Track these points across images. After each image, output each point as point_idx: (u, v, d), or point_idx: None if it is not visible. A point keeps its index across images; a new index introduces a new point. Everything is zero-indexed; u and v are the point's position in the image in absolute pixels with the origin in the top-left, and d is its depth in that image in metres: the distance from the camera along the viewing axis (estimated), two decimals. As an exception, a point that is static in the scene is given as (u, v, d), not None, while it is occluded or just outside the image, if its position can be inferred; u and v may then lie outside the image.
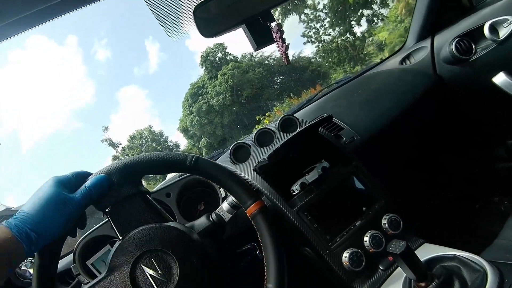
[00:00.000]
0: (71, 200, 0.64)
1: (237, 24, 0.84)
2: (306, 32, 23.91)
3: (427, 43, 1.58)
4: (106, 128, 37.52)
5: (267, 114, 24.23)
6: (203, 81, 31.47)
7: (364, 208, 1.09)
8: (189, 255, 0.69)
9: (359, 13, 20.71)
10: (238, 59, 32.05)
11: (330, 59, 25.41)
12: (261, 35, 0.87)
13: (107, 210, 0.72)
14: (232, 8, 0.83)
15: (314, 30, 23.98)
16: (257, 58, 32.78)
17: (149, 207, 0.75)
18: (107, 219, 0.73)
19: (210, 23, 0.83)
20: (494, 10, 1.37)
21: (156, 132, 36.11)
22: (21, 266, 1.08)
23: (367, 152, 1.23)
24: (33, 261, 1.07)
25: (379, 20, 21.15)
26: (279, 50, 0.87)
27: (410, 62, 1.67)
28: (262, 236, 0.75)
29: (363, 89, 1.57)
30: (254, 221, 0.76)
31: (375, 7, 20.54)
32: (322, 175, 1.10)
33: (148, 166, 0.74)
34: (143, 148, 34.82)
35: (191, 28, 0.84)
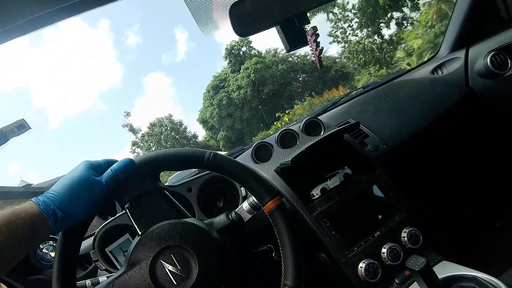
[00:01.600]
0: (98, 182, 0.65)
1: (272, 24, 0.83)
2: (333, 32, 23.61)
3: (461, 54, 1.53)
4: (128, 114, 38.20)
5: (287, 112, 24.17)
6: (226, 74, 31.62)
7: (384, 219, 1.06)
8: (208, 252, 0.69)
9: (388, 15, 20.31)
10: (262, 54, 32.02)
11: (355, 60, 25.03)
12: (295, 37, 0.85)
13: (126, 206, 0.73)
14: (268, 8, 0.81)
15: (341, 30, 23.69)
16: (281, 55, 32.65)
17: (168, 203, 0.76)
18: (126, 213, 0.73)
19: (245, 21, 0.82)
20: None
21: (175, 121, 36.61)
22: (42, 249, 1.10)
23: (391, 161, 1.21)
24: (54, 244, 1.11)
25: (408, 24, 20.71)
26: (313, 53, 0.85)
27: (442, 72, 1.62)
28: (279, 233, 0.75)
29: (391, 96, 1.53)
30: (271, 218, 0.76)
31: (405, 10, 20.09)
32: (344, 181, 1.08)
33: (166, 162, 0.75)
34: (162, 136, 35.36)
35: (224, 25, 0.83)
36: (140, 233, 0.71)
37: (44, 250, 1.10)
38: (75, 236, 0.69)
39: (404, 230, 1.04)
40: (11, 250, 0.54)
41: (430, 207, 1.43)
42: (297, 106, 25.14)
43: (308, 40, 0.83)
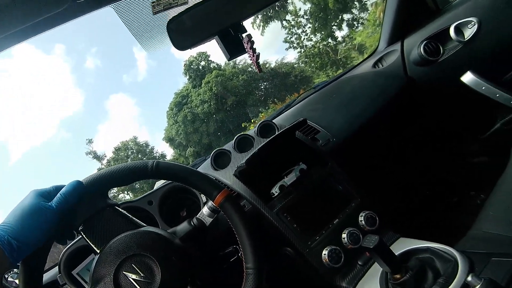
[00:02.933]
0: (48, 208, 0.66)
1: (210, 36, 0.88)
2: (288, 38, 24.20)
3: (397, 46, 1.63)
4: (90, 141, 36.75)
5: (252, 121, 24.32)
6: (187, 89, 31.37)
7: (341, 207, 1.13)
8: (167, 254, 0.71)
9: (339, 18, 21.03)
10: (222, 67, 32.07)
11: (312, 64, 25.66)
12: (233, 46, 0.90)
13: (80, 228, 0.74)
14: (204, 21, 0.86)
15: (295, 35, 24.26)
16: (241, 66, 32.82)
17: (121, 217, 0.77)
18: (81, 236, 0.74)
19: (184, 35, 0.86)
20: (458, 12, 1.43)
21: (141, 143, 35.74)
22: (7, 278, 1.07)
23: (342, 153, 1.28)
24: (16, 271, 1.08)
25: (359, 24, 21.54)
26: (251, 59, 0.90)
27: (382, 65, 1.73)
28: (233, 223, 0.79)
29: (338, 93, 1.62)
30: (223, 210, 0.79)
31: (355, 11, 20.89)
32: (300, 177, 1.13)
33: (112, 178, 0.76)
34: (129, 160, 34.41)
35: (165, 40, 0.87)
36: (98, 251, 0.72)
37: (9, 279, 1.07)
38: (35, 263, 0.68)
39: (360, 214, 1.10)
40: None
41: (386, 192, 1.52)
42: (262, 114, 25.35)
43: (245, 47, 0.88)
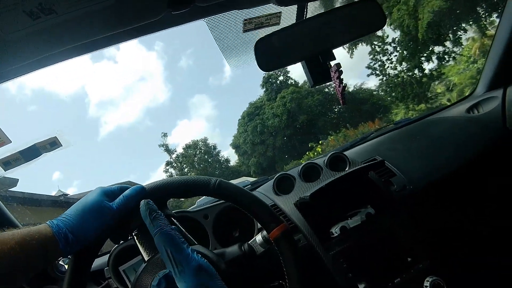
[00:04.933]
0: (109, 208, 0.67)
1: (297, 60, 0.84)
2: (371, 64, 23.51)
3: (498, 93, 1.45)
4: (165, 134, 39.58)
5: (320, 142, 23.96)
6: (262, 101, 32.08)
7: (406, 265, 1.00)
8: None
9: (430, 49, 19.96)
10: (299, 84, 32.30)
11: (393, 93, 24.60)
12: (319, 73, 0.85)
13: (134, 232, 0.74)
14: (293, 45, 0.83)
15: (379, 62, 23.56)
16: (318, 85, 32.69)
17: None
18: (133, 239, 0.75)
19: (269, 56, 0.83)
20: None
21: (210, 145, 37.38)
22: (59, 260, 1.13)
23: (418, 204, 1.15)
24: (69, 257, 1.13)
25: (450, 58, 20.23)
26: (336, 90, 0.84)
27: (478, 112, 1.55)
28: (284, 259, 0.74)
29: (422, 135, 1.48)
30: (277, 245, 0.75)
31: (448, 44, 19.67)
32: (365, 221, 1.04)
33: (173, 189, 0.76)
34: (196, 158, 36.08)
35: (250, 59, 0.85)
36: (146, 259, 0.71)
37: (60, 262, 1.13)
38: (85, 258, 0.70)
39: (427, 279, 0.97)
40: (23, 267, 0.57)
41: (457, 257, 1.33)
42: (331, 137, 24.84)
43: (332, 76, 0.83)
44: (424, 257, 1.02)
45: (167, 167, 36.70)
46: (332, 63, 0.84)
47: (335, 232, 1.04)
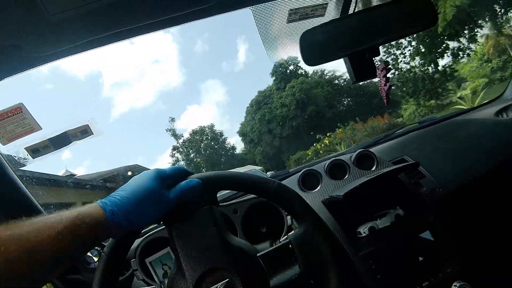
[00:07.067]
0: (166, 198, 0.64)
1: (342, 55, 0.81)
2: (384, 58, 23.17)
3: (530, 99, 1.41)
4: (173, 119, 39.76)
5: (328, 135, 23.86)
6: (271, 90, 31.92)
7: (434, 269, 0.98)
8: (254, 277, 0.66)
9: (445, 45, 19.60)
10: (309, 74, 32.07)
11: (404, 88, 24.36)
12: (363, 69, 0.82)
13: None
14: (340, 39, 0.79)
15: (393, 56, 23.25)
16: (327, 77, 32.53)
17: (218, 221, 0.73)
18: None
19: (314, 51, 0.80)
20: None
21: (217, 131, 37.43)
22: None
23: (447, 207, 1.12)
24: (99, 249, 1.12)
25: (464, 55, 19.88)
26: (381, 88, 0.81)
27: (507, 116, 1.51)
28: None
29: (451, 136, 1.44)
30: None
31: (462, 40, 19.29)
32: (394, 223, 1.02)
33: (235, 183, 0.74)
34: (202, 144, 36.19)
35: (292, 52, 0.82)
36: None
37: (88, 254, 1.12)
38: (125, 244, 0.67)
39: (454, 283, 0.95)
40: (71, 253, 0.54)
41: (486, 262, 1.30)
42: (339, 130, 24.70)
43: (378, 74, 0.79)
44: (452, 262, 1.00)
45: (174, 152, 36.97)
46: (379, 60, 0.80)
47: (363, 232, 1.02)
